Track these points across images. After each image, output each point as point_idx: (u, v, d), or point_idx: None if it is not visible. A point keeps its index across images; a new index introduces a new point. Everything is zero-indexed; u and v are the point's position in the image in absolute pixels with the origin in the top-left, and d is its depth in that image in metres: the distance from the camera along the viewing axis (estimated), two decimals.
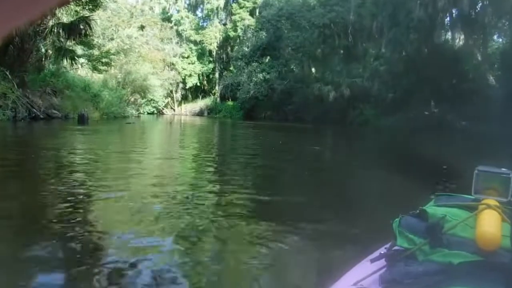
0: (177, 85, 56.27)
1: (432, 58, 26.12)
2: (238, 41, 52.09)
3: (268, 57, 40.03)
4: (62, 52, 21.56)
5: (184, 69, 55.72)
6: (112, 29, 38.51)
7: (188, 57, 56.60)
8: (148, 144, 13.31)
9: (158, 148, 12.18)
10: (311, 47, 36.71)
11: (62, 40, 21.47)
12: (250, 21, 49.26)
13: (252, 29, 45.59)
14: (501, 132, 18.39)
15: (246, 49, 43.24)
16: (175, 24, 57.60)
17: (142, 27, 52.73)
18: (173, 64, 55.01)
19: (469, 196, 1.44)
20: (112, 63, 36.35)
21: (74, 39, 21.34)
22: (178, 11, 58.42)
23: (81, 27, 20.69)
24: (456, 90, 24.29)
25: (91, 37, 24.70)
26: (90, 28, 21.25)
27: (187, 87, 57.02)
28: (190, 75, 56.09)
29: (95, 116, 25.39)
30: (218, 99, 54.62)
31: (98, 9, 25.11)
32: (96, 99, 27.70)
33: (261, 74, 38.72)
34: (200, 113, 54.96)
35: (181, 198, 4.87)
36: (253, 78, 39.20)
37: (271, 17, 39.34)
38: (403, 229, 1.35)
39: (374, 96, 30.57)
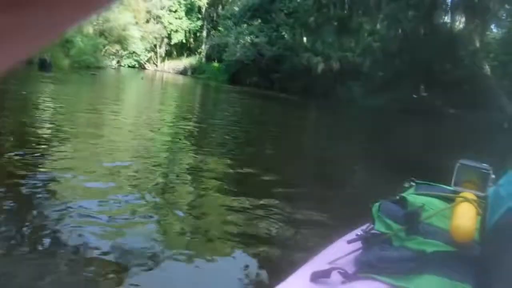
0: (162, 40, 53.94)
1: (428, 40, 24.77)
2: (231, 0, 49.70)
3: (259, 20, 37.89)
4: None
5: (170, 23, 53.22)
6: None
7: (175, 11, 53.95)
8: (96, 102, 11.75)
9: (102, 107, 10.64)
10: (305, 14, 34.84)
11: None
12: None
13: None
14: (490, 123, 17.42)
15: (236, 8, 41.03)
16: None
17: None
18: (159, 17, 52.49)
19: (449, 187, 1.44)
20: None
21: None
22: None
23: None
24: (448, 76, 23.06)
25: None
26: None
27: (172, 43, 54.68)
28: (176, 31, 53.67)
29: (64, 63, 23.60)
30: (204, 59, 52.54)
31: None
32: (68, 45, 25.67)
33: (249, 37, 36.73)
34: (183, 72, 52.86)
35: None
36: (241, 40, 37.22)
37: None
38: (382, 214, 1.37)
39: (364, 73, 29.22)
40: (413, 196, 1.43)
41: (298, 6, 34.83)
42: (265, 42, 36.08)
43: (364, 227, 1.47)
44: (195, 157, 5.60)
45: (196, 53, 55.60)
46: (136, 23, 42.35)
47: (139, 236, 2.73)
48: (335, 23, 35.53)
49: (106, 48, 34.75)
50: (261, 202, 3.74)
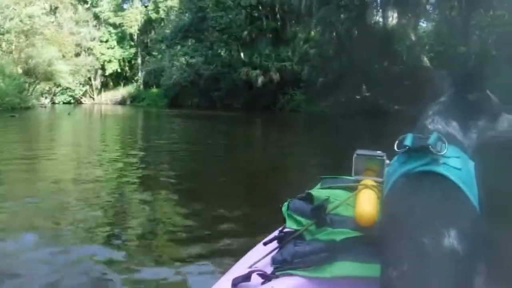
0: (96, 72, 52.14)
1: (363, 40, 24.70)
2: (162, 24, 48.59)
3: (192, 40, 36.90)
4: None
5: (102, 54, 51.64)
6: (13, 8, 33.80)
7: (107, 41, 52.44)
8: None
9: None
10: (238, 29, 34.28)
11: None
12: (173, 1, 45.62)
13: (176, 10, 42.40)
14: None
15: (168, 31, 39.92)
16: (92, 6, 53.04)
17: (54, 8, 47.99)
18: (90, 49, 50.78)
19: (351, 178, 1.51)
20: (11, 46, 31.78)
21: None
22: None
23: None
24: (388, 73, 22.92)
25: None
26: None
27: (106, 74, 52.92)
28: (110, 61, 52.03)
29: None
30: (142, 86, 51.04)
31: None
32: None
33: (183, 58, 35.63)
34: (122, 102, 51.19)
35: None
36: (175, 63, 36.07)
37: None
38: (292, 212, 1.43)
39: (305, 80, 28.89)
40: (318, 191, 1.46)
41: (230, 21, 34.16)
42: (201, 62, 35.10)
43: (280, 227, 1.49)
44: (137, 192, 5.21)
45: (133, 81, 54.02)
46: (63, 56, 40.22)
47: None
48: (270, 35, 35.24)
49: (33, 86, 32.51)
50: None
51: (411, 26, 23.82)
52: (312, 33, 31.83)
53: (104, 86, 54.64)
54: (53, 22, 44.11)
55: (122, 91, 53.01)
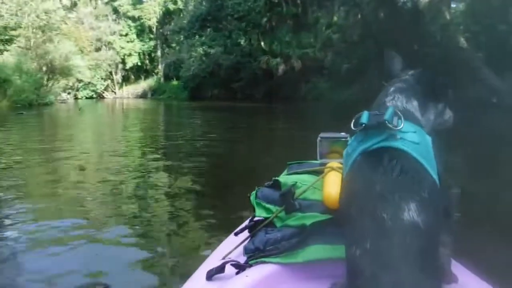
0: (117, 66, 51.99)
1: (391, 21, 23.20)
2: (181, 15, 47.95)
3: (210, 29, 35.95)
4: None
5: (122, 48, 51.41)
6: (31, 4, 33.53)
7: (126, 34, 52.16)
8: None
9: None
10: (257, 16, 33.18)
11: None
12: None
13: (194, 0, 41.55)
14: (475, 99, 15.63)
15: (185, 22, 39.11)
16: (111, 0, 52.76)
17: (74, 4, 47.98)
18: (110, 43, 50.57)
19: (316, 162, 1.52)
20: (29, 43, 31.49)
21: None
22: None
23: None
24: (419, 55, 21.46)
25: None
26: None
27: (127, 68, 52.73)
28: (130, 54, 51.79)
29: (1, 105, 21.46)
30: (162, 79, 50.68)
31: None
32: (5, 85, 23.49)
33: (201, 48, 34.72)
34: (143, 95, 51.07)
35: None
36: (193, 53, 35.24)
37: None
38: (260, 200, 1.43)
39: (328, 67, 27.67)
40: (284, 177, 1.46)
41: (249, 8, 33.08)
42: (220, 52, 34.19)
43: (250, 217, 1.49)
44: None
45: (153, 74, 53.72)
46: (81, 51, 39.91)
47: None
48: (290, 21, 34.02)
49: (52, 82, 32.22)
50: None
51: (445, 4, 22.13)
52: (335, 17, 30.56)
53: (125, 80, 54.50)
54: (73, 17, 44.06)
55: (143, 85, 52.86)
